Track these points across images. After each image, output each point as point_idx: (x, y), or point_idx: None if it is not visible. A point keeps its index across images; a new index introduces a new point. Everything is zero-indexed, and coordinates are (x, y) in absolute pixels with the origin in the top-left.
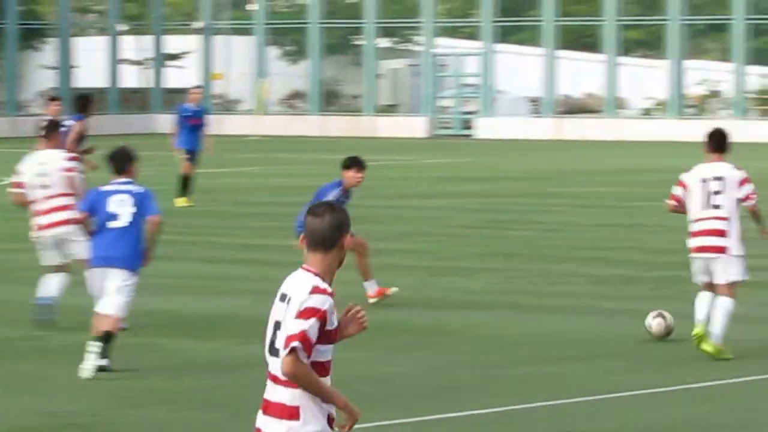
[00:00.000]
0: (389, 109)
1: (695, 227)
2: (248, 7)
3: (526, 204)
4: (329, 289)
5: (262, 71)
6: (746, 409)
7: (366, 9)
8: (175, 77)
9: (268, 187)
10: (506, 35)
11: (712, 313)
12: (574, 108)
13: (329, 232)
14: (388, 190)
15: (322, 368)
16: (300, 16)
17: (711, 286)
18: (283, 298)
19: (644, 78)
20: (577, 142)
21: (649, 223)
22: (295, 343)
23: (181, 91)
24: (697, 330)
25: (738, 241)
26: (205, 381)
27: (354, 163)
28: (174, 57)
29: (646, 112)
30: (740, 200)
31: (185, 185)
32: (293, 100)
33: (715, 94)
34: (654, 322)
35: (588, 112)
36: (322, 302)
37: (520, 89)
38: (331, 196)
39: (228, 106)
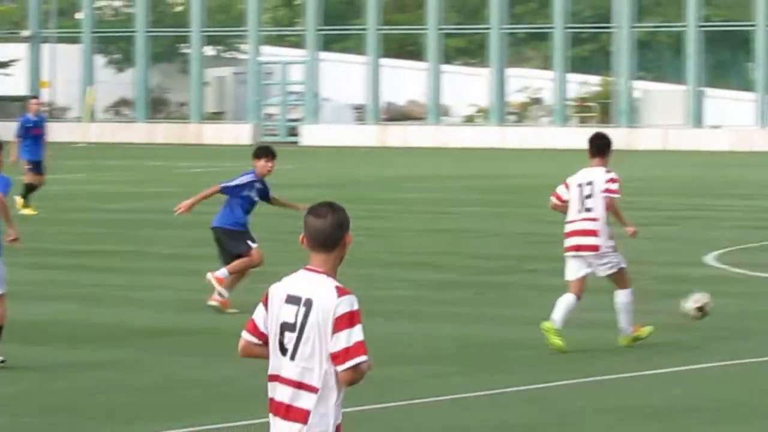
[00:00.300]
0: (215, 117)
1: (569, 228)
2: (76, 15)
3: (352, 210)
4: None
5: (89, 79)
6: (566, 411)
7: (192, 17)
8: (2, 85)
9: (95, 193)
10: (331, 43)
11: (617, 311)
12: (398, 115)
13: (331, 232)
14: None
15: None
16: (126, 25)
17: (579, 288)
18: (296, 300)
19: (466, 85)
20: (401, 149)
21: (471, 229)
22: (363, 359)
23: (8, 99)
24: (546, 325)
25: (608, 238)
26: (35, 385)
27: (263, 152)
28: (1, 65)
29: (469, 119)
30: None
31: (27, 193)
32: (120, 108)
33: (536, 101)
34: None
35: (411, 120)
36: (353, 302)
37: (344, 97)
38: (245, 178)
39: (55, 114)
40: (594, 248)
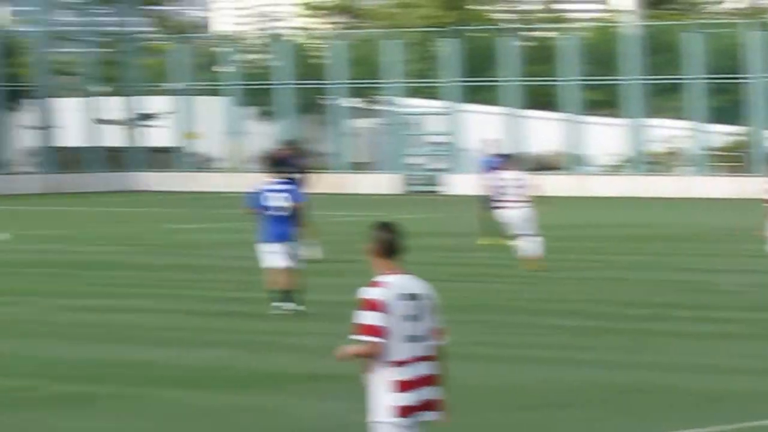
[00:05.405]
0: (359, 167)
1: None
2: (215, 68)
3: (506, 258)
4: None
5: (235, 130)
6: None
7: (335, 70)
8: (152, 136)
9: (246, 242)
10: (470, 95)
11: None
12: (535, 165)
13: None
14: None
15: None
16: (271, 78)
17: None
18: None
19: (603, 135)
20: (539, 198)
21: (616, 277)
22: None
23: (160, 150)
24: None
25: None
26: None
27: None
28: (149, 117)
29: (608, 169)
30: None
31: None
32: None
33: (675, 151)
34: None
35: (551, 169)
36: None
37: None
38: None
39: (204, 164)
40: None
